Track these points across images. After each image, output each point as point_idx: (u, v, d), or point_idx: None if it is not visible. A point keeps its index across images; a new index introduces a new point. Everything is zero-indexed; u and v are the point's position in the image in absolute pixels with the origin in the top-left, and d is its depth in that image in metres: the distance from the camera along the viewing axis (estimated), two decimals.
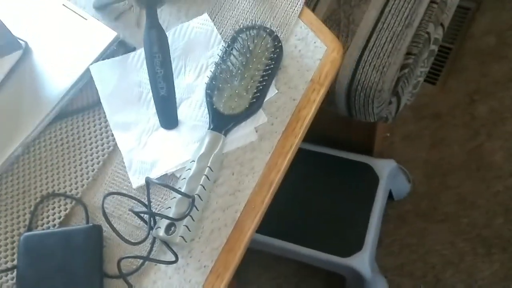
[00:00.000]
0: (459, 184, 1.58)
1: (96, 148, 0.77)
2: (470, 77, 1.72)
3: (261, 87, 0.73)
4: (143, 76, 0.79)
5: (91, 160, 0.77)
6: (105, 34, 0.82)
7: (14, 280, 0.70)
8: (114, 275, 0.69)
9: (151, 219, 0.70)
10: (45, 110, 0.78)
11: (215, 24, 0.81)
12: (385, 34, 1.11)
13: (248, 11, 0.82)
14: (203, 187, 0.69)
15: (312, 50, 0.78)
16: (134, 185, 0.74)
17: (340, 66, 0.78)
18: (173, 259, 0.68)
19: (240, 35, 0.77)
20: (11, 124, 0.78)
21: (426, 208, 1.57)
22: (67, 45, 0.83)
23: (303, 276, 1.54)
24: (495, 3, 1.80)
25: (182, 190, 0.68)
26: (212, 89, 0.75)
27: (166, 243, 0.69)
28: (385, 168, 1.37)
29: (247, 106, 0.73)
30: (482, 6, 1.81)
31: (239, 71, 0.74)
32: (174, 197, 0.69)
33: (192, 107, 0.76)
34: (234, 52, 0.76)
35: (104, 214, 0.66)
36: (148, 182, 0.70)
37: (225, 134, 0.73)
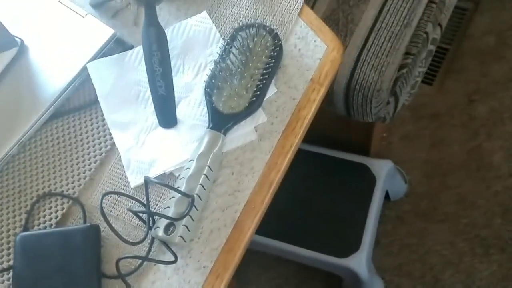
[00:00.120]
0: (459, 184, 1.58)
1: (94, 147, 0.76)
2: (469, 77, 1.72)
3: (261, 86, 0.73)
4: (141, 74, 0.78)
5: (88, 159, 0.76)
6: (102, 32, 0.81)
7: (10, 281, 0.69)
8: (112, 275, 0.69)
9: (150, 219, 0.69)
10: (41, 108, 0.77)
11: (214, 22, 0.80)
12: (383, 33, 1.11)
13: (247, 9, 0.81)
14: (203, 186, 0.68)
15: (312, 49, 0.77)
16: (132, 185, 0.73)
17: (340, 65, 0.78)
18: (172, 259, 0.67)
19: (240, 33, 0.76)
20: (6, 123, 0.77)
21: (426, 208, 1.56)
22: (63, 42, 0.82)
23: (303, 277, 1.54)
24: (493, 3, 1.80)
25: (181, 189, 0.68)
26: (212, 88, 0.74)
27: (165, 243, 0.68)
28: (382, 169, 1.36)
29: (247, 105, 0.72)
30: (480, 7, 1.81)
31: (239, 70, 0.73)
32: (173, 197, 0.68)
33: (191, 106, 0.76)
34: (234, 50, 0.75)
35: (103, 214, 0.65)
36: (147, 181, 0.69)
37: (225, 133, 0.72)
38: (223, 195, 0.71)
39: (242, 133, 0.73)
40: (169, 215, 0.67)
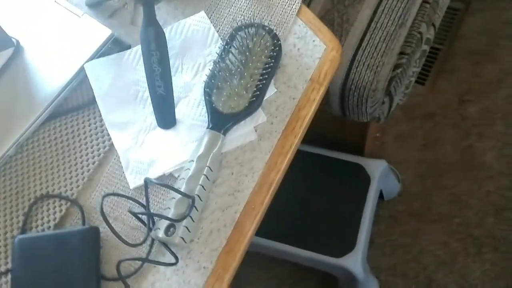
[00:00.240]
0: (452, 184, 1.58)
1: (92, 148, 0.76)
2: (461, 78, 1.73)
3: (260, 86, 0.72)
4: (140, 74, 0.78)
5: (87, 160, 0.75)
6: (100, 32, 0.80)
7: (9, 284, 0.68)
8: (111, 277, 0.68)
9: (150, 220, 0.68)
10: (38, 109, 0.76)
11: (212, 22, 0.80)
12: (378, 33, 1.11)
13: (245, 9, 0.81)
14: (203, 187, 0.68)
15: (311, 49, 0.77)
16: (131, 186, 0.72)
17: (339, 65, 0.78)
18: (172, 260, 0.66)
19: (239, 33, 0.76)
20: (3, 124, 0.76)
21: (420, 208, 1.57)
22: (60, 43, 0.82)
23: (298, 278, 1.53)
24: (484, 4, 1.82)
25: (181, 190, 0.67)
26: (211, 88, 0.73)
27: (165, 244, 0.68)
28: (376, 168, 1.37)
29: (247, 105, 0.72)
30: (471, 7, 1.82)
31: (239, 70, 0.73)
32: (173, 198, 0.67)
33: (190, 106, 0.75)
34: (233, 50, 0.75)
35: (103, 216, 0.64)
36: (147, 182, 0.68)
37: (224, 133, 0.72)
38: (223, 195, 0.71)
39: (242, 133, 0.73)
40: (169, 216, 0.66)
